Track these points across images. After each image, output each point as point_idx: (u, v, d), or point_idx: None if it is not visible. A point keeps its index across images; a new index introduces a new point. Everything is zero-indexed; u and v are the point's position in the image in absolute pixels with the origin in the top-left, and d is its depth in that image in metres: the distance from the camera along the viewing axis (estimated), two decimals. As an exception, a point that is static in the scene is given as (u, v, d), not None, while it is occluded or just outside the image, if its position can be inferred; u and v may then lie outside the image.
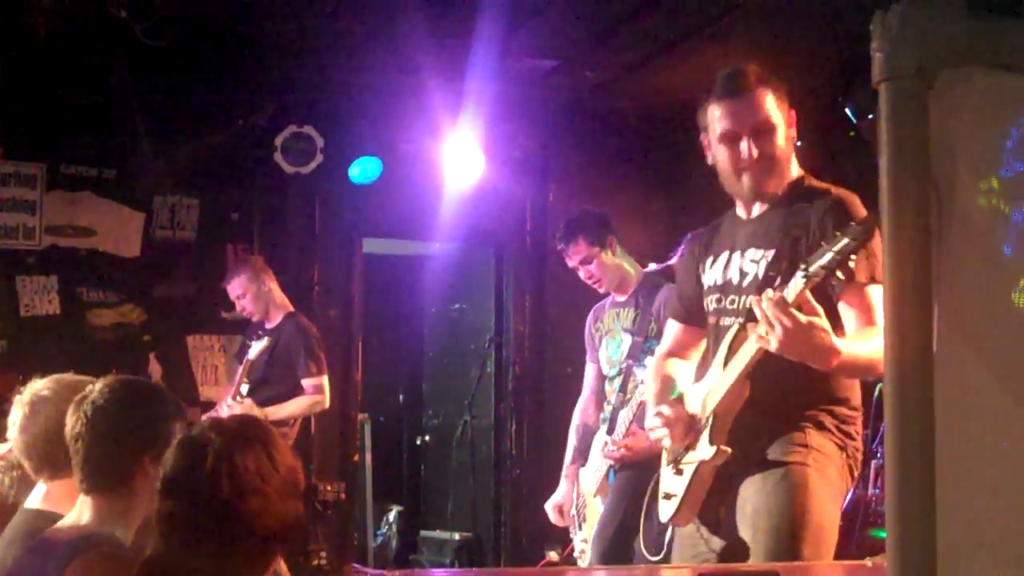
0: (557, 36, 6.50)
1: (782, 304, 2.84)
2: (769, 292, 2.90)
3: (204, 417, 6.06)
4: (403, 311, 9.60)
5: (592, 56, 6.81)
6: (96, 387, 2.67)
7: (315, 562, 7.36)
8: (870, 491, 5.56)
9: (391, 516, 8.96)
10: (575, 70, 7.04)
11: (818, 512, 3.10)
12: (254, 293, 6.54)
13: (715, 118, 3.27)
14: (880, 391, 4.74)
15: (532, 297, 8.09)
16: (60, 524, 2.65)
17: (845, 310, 3.09)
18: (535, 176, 8.00)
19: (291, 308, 6.65)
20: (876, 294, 3.08)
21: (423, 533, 8.81)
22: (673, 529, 3.44)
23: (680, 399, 3.36)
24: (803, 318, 2.83)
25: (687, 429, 3.26)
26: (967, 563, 1.35)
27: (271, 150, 6.86)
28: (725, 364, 3.17)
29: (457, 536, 8.26)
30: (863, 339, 3.01)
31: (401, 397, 9.84)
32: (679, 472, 3.29)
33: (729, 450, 3.15)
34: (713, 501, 3.26)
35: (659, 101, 7.11)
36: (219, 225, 7.50)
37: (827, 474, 3.16)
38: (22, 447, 2.91)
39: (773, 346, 2.87)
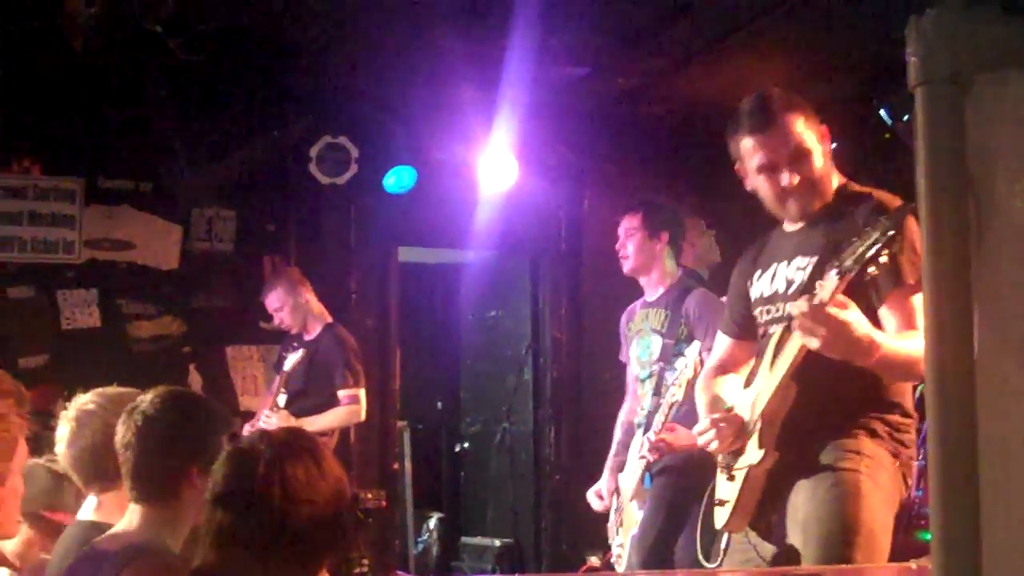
0: (589, 43, 6.51)
1: (817, 306, 2.84)
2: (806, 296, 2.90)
3: (247, 428, 6.11)
4: (440, 319, 9.62)
5: (624, 63, 6.81)
6: (147, 397, 2.71)
7: (357, 570, 7.39)
8: (913, 493, 5.53)
9: (431, 523, 8.98)
10: (607, 77, 7.05)
11: (870, 519, 3.07)
12: (291, 305, 6.56)
13: (748, 151, 3.26)
14: (921, 393, 4.72)
15: (568, 303, 8.09)
16: (110, 533, 2.68)
17: (886, 315, 3.08)
18: (569, 183, 8.00)
19: (329, 319, 6.67)
20: (919, 299, 3.08)
21: (463, 540, 8.82)
22: (729, 536, 3.43)
23: (730, 410, 3.35)
24: (840, 315, 2.82)
25: (736, 434, 3.25)
26: (1011, 567, 1.34)
27: (306, 161, 6.91)
28: (771, 367, 3.16)
29: (498, 542, 8.27)
30: (903, 338, 3.00)
31: (439, 405, 9.87)
32: (731, 478, 3.29)
33: (777, 454, 3.13)
34: (765, 507, 3.24)
35: (691, 106, 7.10)
36: (256, 237, 7.55)
37: (880, 481, 3.14)
38: (70, 461, 2.95)
39: (815, 344, 2.87)
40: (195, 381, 7.34)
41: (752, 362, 3.48)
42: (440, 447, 9.68)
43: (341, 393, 6.43)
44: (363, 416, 6.57)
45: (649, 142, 7.89)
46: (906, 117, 5.85)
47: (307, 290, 6.64)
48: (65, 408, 3.01)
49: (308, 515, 2.13)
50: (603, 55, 6.68)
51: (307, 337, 6.58)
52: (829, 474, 3.12)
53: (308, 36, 6.46)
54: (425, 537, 8.93)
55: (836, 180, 3.31)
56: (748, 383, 3.37)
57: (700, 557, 3.63)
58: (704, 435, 3.33)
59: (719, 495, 3.37)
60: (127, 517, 2.68)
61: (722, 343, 3.65)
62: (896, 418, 3.24)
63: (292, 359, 6.42)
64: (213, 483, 2.21)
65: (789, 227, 3.39)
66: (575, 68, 6.94)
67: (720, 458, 3.37)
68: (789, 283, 3.28)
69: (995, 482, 1.32)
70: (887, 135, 6.27)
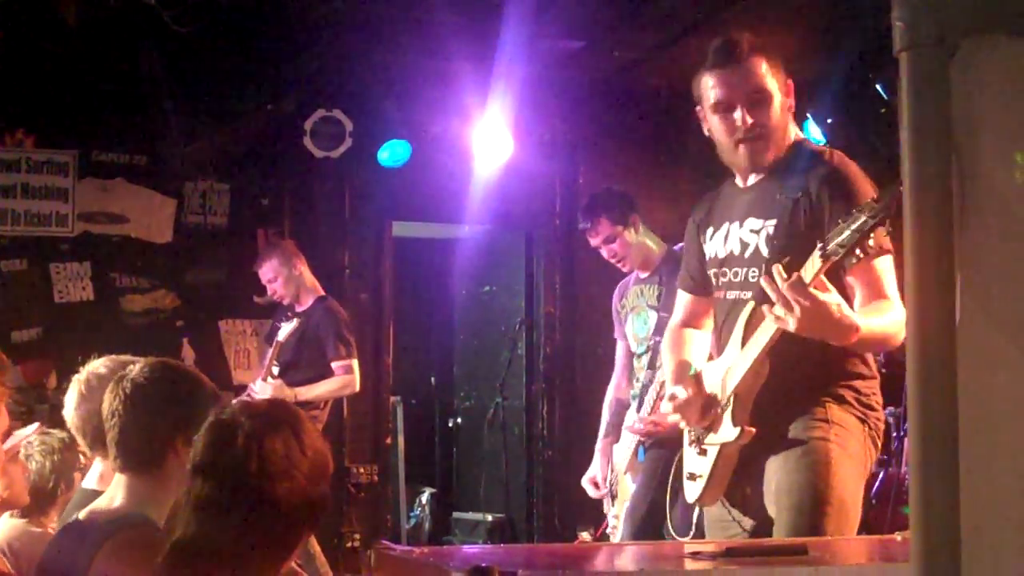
0: (584, 17, 6.48)
1: (799, 285, 2.81)
2: (780, 269, 2.87)
3: (235, 400, 6.11)
4: (433, 294, 9.62)
5: (619, 36, 6.78)
6: (136, 367, 2.70)
7: (348, 544, 7.41)
8: (902, 469, 5.54)
9: (424, 498, 8.99)
10: (603, 51, 7.02)
11: (840, 488, 3.08)
12: (285, 276, 6.56)
13: (708, 87, 3.24)
14: (892, 360, 4.73)
15: (562, 278, 8.08)
16: (94, 506, 2.68)
17: (853, 283, 3.08)
18: (564, 157, 7.98)
19: (322, 292, 6.67)
20: (884, 265, 3.07)
21: (456, 515, 8.84)
22: (701, 509, 3.43)
23: (697, 378, 3.33)
24: (821, 297, 2.81)
25: (704, 410, 3.24)
26: (990, 539, 1.34)
27: (300, 134, 6.89)
28: (743, 344, 3.14)
29: (490, 517, 8.28)
30: (877, 313, 3.00)
31: (432, 380, 9.87)
32: (703, 453, 3.28)
33: (753, 430, 3.13)
34: (740, 480, 3.25)
35: (688, 79, 7.05)
36: (250, 210, 7.53)
37: (849, 448, 3.14)
38: (78, 423, 2.96)
39: (792, 326, 2.85)
40: (188, 355, 7.33)
41: (710, 317, 3.47)
42: (433, 422, 9.70)
43: (335, 364, 6.43)
44: (358, 387, 6.57)
45: (645, 116, 7.86)
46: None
47: (301, 262, 6.64)
48: (56, 380, 3.02)
49: (286, 488, 2.12)
50: (599, 28, 6.65)
51: (299, 308, 6.58)
52: (799, 445, 3.12)
53: (303, 9, 6.44)
54: (417, 512, 8.94)
55: (792, 135, 3.28)
56: (714, 351, 3.36)
57: (672, 531, 3.62)
58: (671, 416, 3.35)
59: (690, 469, 3.35)
60: (111, 489, 2.67)
61: (682, 299, 3.62)
62: (861, 383, 3.23)
63: (286, 329, 6.43)
64: (193, 453, 2.20)
65: (739, 182, 3.36)
66: (571, 42, 6.91)
67: (689, 432, 3.36)
68: (744, 246, 3.25)
69: (975, 450, 1.31)
70: (883, 110, 6.24)
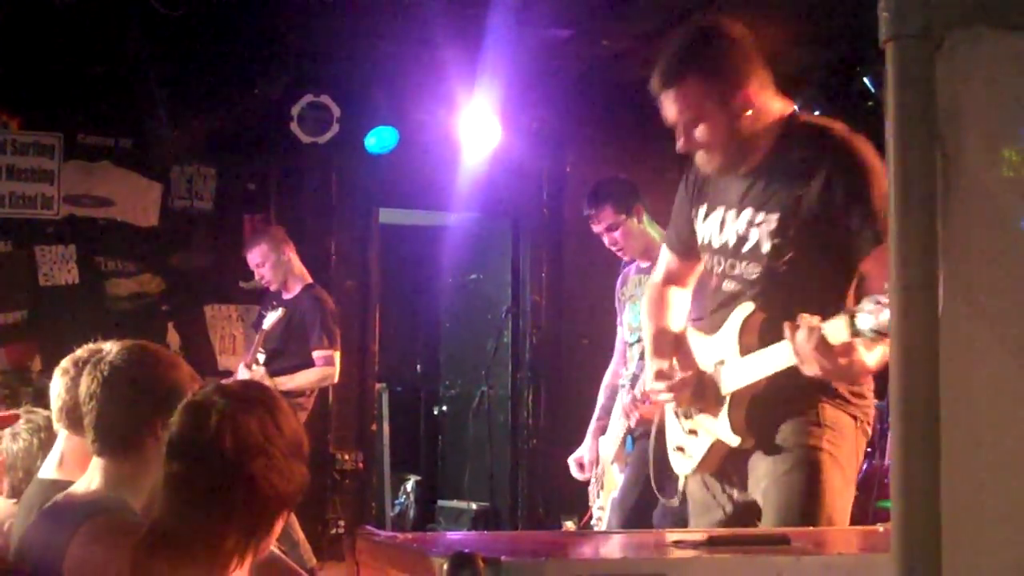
0: (573, 5, 6.47)
1: (824, 347, 2.71)
2: (808, 321, 2.74)
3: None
4: (420, 281, 9.62)
5: (608, 25, 6.77)
6: (113, 349, 2.68)
7: (333, 531, 7.42)
8: (886, 462, 5.56)
9: (408, 485, 9.00)
10: (591, 39, 7.01)
11: (830, 505, 3.00)
12: (273, 262, 6.54)
13: (660, 102, 3.12)
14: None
15: (549, 267, 8.09)
16: (72, 489, 2.66)
17: (870, 273, 2.93)
18: (552, 146, 7.98)
19: (309, 279, 6.64)
20: None
21: (440, 503, 8.85)
22: (686, 479, 3.38)
23: (687, 353, 3.25)
24: (843, 361, 2.72)
25: (696, 390, 3.17)
26: (971, 529, 1.34)
27: (287, 120, 6.86)
28: (740, 347, 3.05)
29: (474, 506, 8.30)
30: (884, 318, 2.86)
31: (418, 367, 9.88)
32: (694, 433, 3.23)
33: (753, 440, 3.07)
34: (727, 468, 3.22)
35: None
36: (236, 195, 7.52)
37: (841, 455, 3.06)
38: (63, 408, 2.92)
39: (809, 373, 2.79)
40: (173, 340, 7.32)
41: (699, 271, 3.38)
42: (418, 409, 9.71)
43: (316, 354, 6.41)
44: (336, 379, 6.55)
45: (632, 105, 7.82)
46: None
47: (289, 249, 6.62)
48: (41, 363, 2.99)
49: (263, 467, 2.12)
50: (587, 17, 6.64)
51: (286, 296, 6.57)
52: (790, 452, 3.04)
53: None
54: (402, 499, 8.96)
55: (778, 111, 3.09)
56: (710, 328, 3.24)
57: (658, 494, 3.56)
58: (661, 395, 3.25)
59: (678, 442, 3.30)
60: (89, 473, 2.66)
61: (665, 256, 3.52)
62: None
63: (272, 317, 6.41)
64: (168, 435, 2.20)
65: None
66: (559, 30, 6.90)
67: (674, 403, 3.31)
68: (741, 239, 3.11)
69: (957, 441, 1.32)
70: (870, 103, 6.26)
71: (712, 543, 2.07)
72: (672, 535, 2.30)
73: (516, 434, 8.18)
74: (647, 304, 3.49)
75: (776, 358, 2.92)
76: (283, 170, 7.56)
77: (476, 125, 7.19)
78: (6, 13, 6.29)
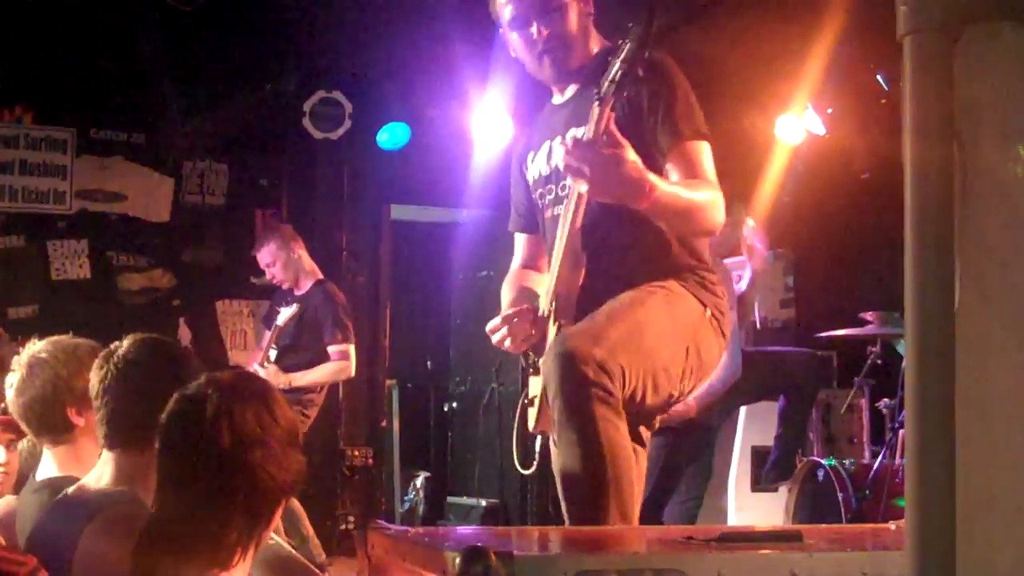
0: (587, 1, 6.45)
1: (581, 143, 2.75)
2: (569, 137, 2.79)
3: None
4: (431, 278, 9.61)
5: (620, 22, 6.75)
6: (123, 344, 2.68)
7: (343, 527, 7.42)
8: (897, 460, 5.54)
9: (418, 482, 9.00)
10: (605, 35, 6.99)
11: (648, 317, 2.94)
12: (283, 260, 6.55)
13: (501, 5, 3.20)
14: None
15: (560, 264, 8.07)
16: (82, 483, 2.67)
17: (671, 169, 2.97)
18: (564, 143, 7.96)
19: (320, 275, 6.66)
20: (700, 149, 3.00)
21: (450, 499, 8.84)
22: (543, 440, 3.31)
23: (531, 299, 3.22)
24: (607, 151, 2.70)
25: (532, 327, 3.11)
26: (985, 526, 1.34)
27: (300, 116, 6.87)
28: (560, 238, 3.04)
29: (484, 502, 8.28)
30: (684, 185, 2.91)
31: (429, 363, 9.87)
32: (537, 373, 3.14)
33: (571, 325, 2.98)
34: None
35: (690, 66, 7.05)
36: (248, 191, 7.54)
37: (675, 304, 3.02)
38: (19, 410, 2.91)
39: (583, 188, 2.77)
40: (184, 335, 7.34)
41: (544, 262, 3.34)
42: (428, 406, 9.70)
43: (331, 349, 6.42)
44: (353, 372, 6.57)
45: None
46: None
47: (299, 246, 6.63)
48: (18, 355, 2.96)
49: (260, 457, 2.10)
50: (600, 14, 6.62)
51: (298, 292, 6.58)
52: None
53: (304, -11, 6.42)
54: (412, 495, 8.95)
55: (598, 45, 3.22)
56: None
57: (517, 464, 3.49)
58: (496, 332, 3.16)
59: (530, 394, 3.24)
60: (99, 467, 2.66)
61: (519, 241, 3.53)
62: (702, 270, 3.14)
63: (286, 313, 6.42)
64: (161, 430, 2.19)
65: (558, 99, 3.31)
66: (572, 27, 6.87)
67: (528, 358, 3.25)
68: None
69: (972, 438, 1.31)
70: (883, 100, 6.24)
71: (724, 539, 2.07)
72: (683, 532, 2.30)
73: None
74: (504, 286, 3.46)
75: (569, 207, 2.95)
76: (295, 166, 7.57)
77: (488, 121, 7.17)
78: (21, 6, 6.31)
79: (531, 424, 3.24)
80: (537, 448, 3.31)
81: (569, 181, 2.88)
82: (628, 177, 2.71)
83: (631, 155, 2.71)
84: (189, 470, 2.12)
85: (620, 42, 2.70)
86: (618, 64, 2.69)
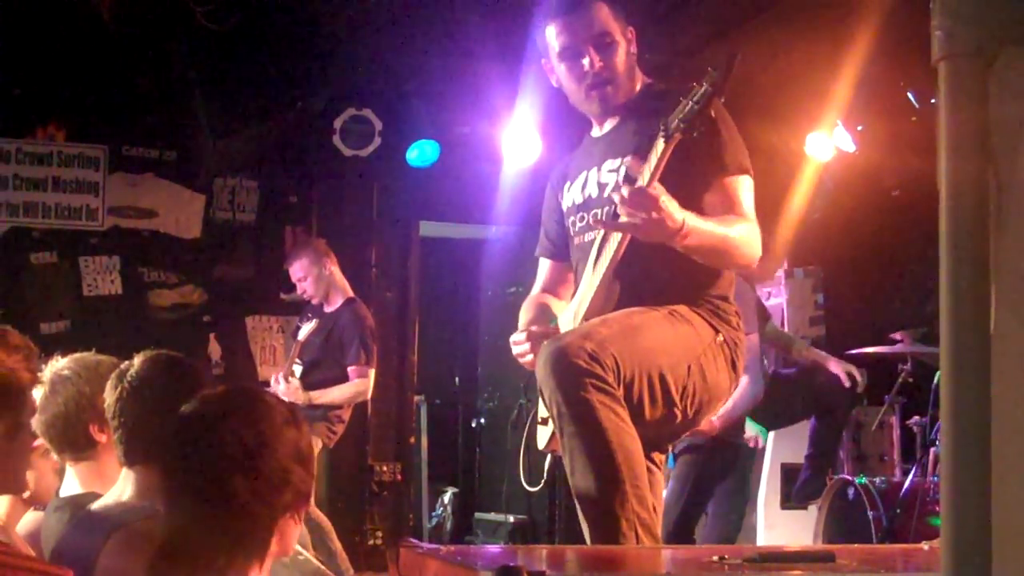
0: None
1: (636, 192, 2.78)
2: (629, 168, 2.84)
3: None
4: (459, 294, 9.63)
5: (649, 39, 6.75)
6: (135, 362, 2.69)
7: (370, 542, 7.44)
8: (929, 478, 5.51)
9: (446, 498, 9.01)
10: (634, 53, 7.00)
11: (641, 320, 2.98)
12: (316, 276, 6.56)
13: (553, 36, 3.24)
14: (939, 378, 4.69)
15: (588, 281, 8.07)
16: (104, 500, 2.68)
17: (710, 202, 3.03)
18: (592, 160, 7.97)
19: (351, 293, 6.65)
20: (741, 184, 3.05)
21: (478, 515, 8.85)
22: (552, 459, 3.31)
23: (549, 317, 3.26)
24: (654, 191, 2.77)
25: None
26: (1022, 547, 1.33)
27: (330, 133, 6.91)
28: (594, 269, 3.09)
29: (512, 519, 8.28)
30: (719, 221, 2.95)
31: (457, 380, 9.88)
32: None
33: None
34: None
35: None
36: (278, 208, 7.58)
37: (679, 324, 3.04)
38: (41, 427, 2.90)
39: (632, 232, 2.83)
40: (215, 351, 7.38)
41: (572, 287, 3.38)
42: (456, 422, 9.71)
43: (351, 369, 6.41)
44: (368, 396, 6.55)
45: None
46: (933, 101, 5.80)
47: (332, 262, 6.64)
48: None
49: (266, 468, 2.08)
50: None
51: (327, 309, 6.59)
52: None
53: (333, 8, 6.45)
54: (440, 511, 8.96)
55: (640, 82, 3.30)
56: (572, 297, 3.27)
57: (523, 483, 3.49)
58: (519, 346, 3.20)
59: (542, 413, 3.24)
60: (120, 484, 2.67)
61: (543, 267, 3.56)
62: (718, 300, 3.16)
63: (306, 329, 6.43)
64: (158, 450, 2.18)
65: (596, 131, 3.36)
66: (601, 44, 6.89)
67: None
68: (602, 187, 3.20)
69: (1008, 458, 1.31)
70: (913, 119, 6.22)
71: (757, 560, 2.07)
72: (714, 551, 2.30)
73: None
74: (523, 307, 3.48)
75: (611, 244, 3.01)
76: (325, 183, 7.61)
77: (517, 139, 7.19)
78: (54, 25, 6.37)
79: (540, 443, 3.27)
80: (545, 467, 3.31)
81: (601, 213, 2.93)
82: (668, 228, 2.79)
83: (672, 205, 2.78)
84: (186, 491, 2.11)
85: (694, 84, 2.75)
86: (691, 104, 2.74)
